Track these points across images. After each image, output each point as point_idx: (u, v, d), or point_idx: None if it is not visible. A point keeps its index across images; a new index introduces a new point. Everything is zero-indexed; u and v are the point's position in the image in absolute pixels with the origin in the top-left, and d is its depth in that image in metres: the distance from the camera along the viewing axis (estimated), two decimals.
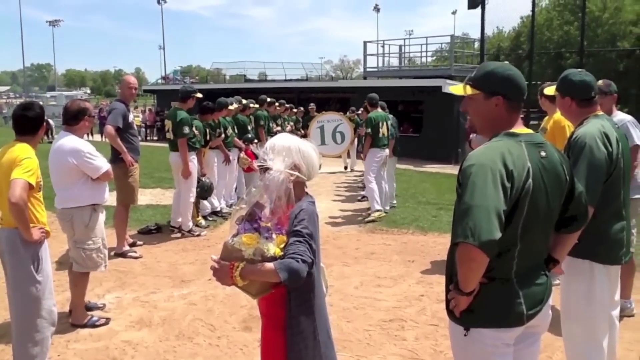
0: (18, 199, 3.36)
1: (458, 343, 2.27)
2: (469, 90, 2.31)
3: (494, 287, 2.15)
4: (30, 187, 3.48)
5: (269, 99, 11.40)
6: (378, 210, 8.71)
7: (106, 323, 4.71)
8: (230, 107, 8.90)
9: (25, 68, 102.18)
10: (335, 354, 2.57)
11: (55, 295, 4.84)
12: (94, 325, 4.65)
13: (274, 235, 2.26)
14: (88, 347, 4.30)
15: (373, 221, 8.57)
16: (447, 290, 2.28)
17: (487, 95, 2.26)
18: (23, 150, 3.57)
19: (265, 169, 2.32)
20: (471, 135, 6.13)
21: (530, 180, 2.11)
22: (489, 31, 45.10)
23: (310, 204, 2.39)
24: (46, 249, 3.75)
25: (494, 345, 2.17)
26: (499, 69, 2.28)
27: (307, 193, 2.46)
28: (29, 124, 3.70)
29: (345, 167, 15.11)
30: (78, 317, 4.68)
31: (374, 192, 8.78)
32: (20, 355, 3.65)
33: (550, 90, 3.40)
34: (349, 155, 15.19)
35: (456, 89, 2.38)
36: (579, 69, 3.35)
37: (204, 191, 7.88)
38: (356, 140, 13.69)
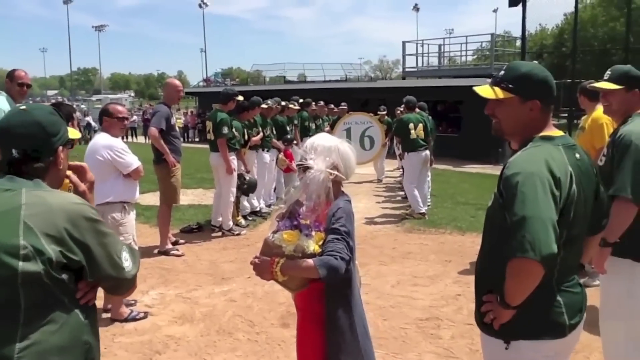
0: None
1: (495, 356, 2.18)
2: (501, 93, 2.12)
3: (535, 297, 1.98)
4: None
5: (300, 100, 11.47)
6: (422, 214, 8.74)
7: (145, 317, 4.87)
8: (263, 105, 8.96)
9: (72, 72, 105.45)
10: (373, 348, 2.62)
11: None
12: (134, 319, 4.81)
13: (313, 233, 2.34)
14: (133, 340, 4.46)
15: (410, 217, 8.66)
16: (479, 302, 2.18)
17: (523, 100, 2.10)
18: None
19: (306, 168, 2.39)
20: None
21: (574, 186, 2.02)
22: (531, 29, 44.42)
23: (347, 202, 2.45)
24: None
25: (534, 358, 2.09)
26: (535, 70, 2.13)
27: (343, 192, 2.52)
28: None
29: (379, 180, 13.32)
30: (118, 312, 4.83)
31: (416, 198, 8.80)
32: None
33: (607, 85, 3.29)
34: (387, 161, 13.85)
35: (484, 90, 2.17)
36: None
37: (250, 187, 8.02)
38: (387, 143, 12.78)
